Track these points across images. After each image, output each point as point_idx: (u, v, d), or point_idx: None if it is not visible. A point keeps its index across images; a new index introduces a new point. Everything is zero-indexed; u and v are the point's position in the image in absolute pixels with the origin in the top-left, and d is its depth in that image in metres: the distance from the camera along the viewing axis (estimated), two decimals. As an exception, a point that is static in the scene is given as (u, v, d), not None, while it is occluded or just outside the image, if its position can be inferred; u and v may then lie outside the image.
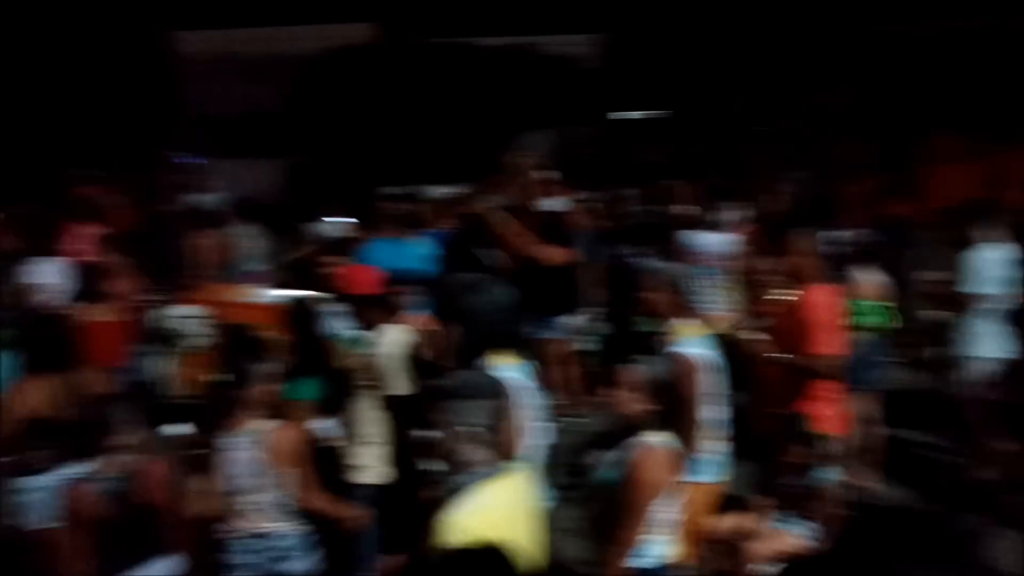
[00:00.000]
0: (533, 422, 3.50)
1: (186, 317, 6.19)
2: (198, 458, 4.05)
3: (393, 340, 4.76)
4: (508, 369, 3.43)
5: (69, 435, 4.26)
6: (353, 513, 4.31)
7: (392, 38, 16.55)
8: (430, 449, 2.74)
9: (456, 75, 15.58)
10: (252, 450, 3.76)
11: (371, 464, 4.54)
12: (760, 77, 14.59)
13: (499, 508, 2.65)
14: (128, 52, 15.98)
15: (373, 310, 4.73)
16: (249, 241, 8.62)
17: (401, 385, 4.72)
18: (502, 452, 2.79)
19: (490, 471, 2.70)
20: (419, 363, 4.70)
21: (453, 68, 15.73)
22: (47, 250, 6.64)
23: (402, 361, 4.67)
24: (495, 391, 2.81)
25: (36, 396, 4.37)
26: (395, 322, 5.03)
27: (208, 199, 9.89)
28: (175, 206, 9.06)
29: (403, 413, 4.57)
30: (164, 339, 6.23)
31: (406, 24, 16.36)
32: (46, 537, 4.27)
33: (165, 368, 6.26)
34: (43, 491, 4.29)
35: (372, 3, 16.42)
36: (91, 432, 3.70)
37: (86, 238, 7.11)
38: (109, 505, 3.59)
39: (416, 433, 4.21)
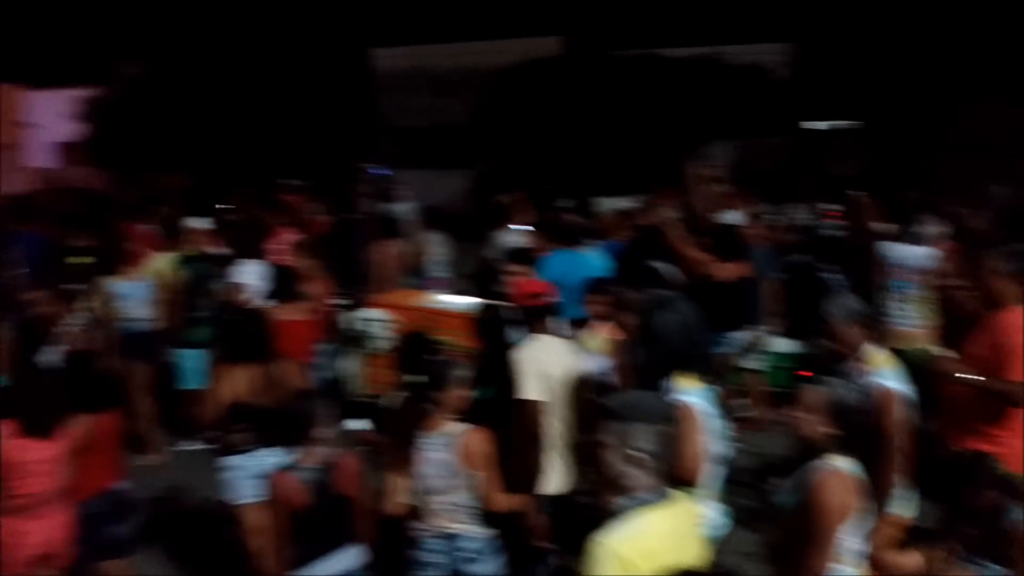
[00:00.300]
0: (713, 447, 3.43)
1: (372, 320, 6.51)
2: (387, 455, 4.23)
3: (566, 351, 4.78)
4: (691, 393, 3.33)
5: (267, 421, 4.65)
6: (536, 520, 4.35)
7: (578, 51, 16.67)
8: (599, 467, 2.70)
9: (642, 86, 15.48)
10: (445, 452, 3.87)
11: (549, 473, 4.57)
12: (957, 87, 13.65)
13: (658, 536, 2.57)
14: (329, 69, 16.95)
15: (546, 320, 4.77)
16: (435, 249, 8.94)
17: (576, 396, 4.72)
18: (670, 478, 2.70)
19: (654, 497, 2.61)
20: (594, 378, 4.69)
21: (639, 79, 15.62)
22: (251, 253, 7.16)
23: (576, 374, 4.68)
24: (667, 416, 2.71)
25: (237, 383, 4.73)
26: (573, 333, 5.05)
27: (398, 208, 10.36)
28: (366, 214, 9.53)
29: (580, 424, 4.57)
30: (351, 340, 6.59)
31: (592, 36, 16.43)
32: (243, 514, 4.73)
33: (351, 367, 6.62)
34: (241, 470, 4.73)
35: (559, 17, 16.61)
36: (293, 423, 3.95)
37: (285, 242, 7.62)
38: (308, 494, 3.81)
39: (587, 449, 4.21)
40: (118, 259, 6.89)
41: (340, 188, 10.66)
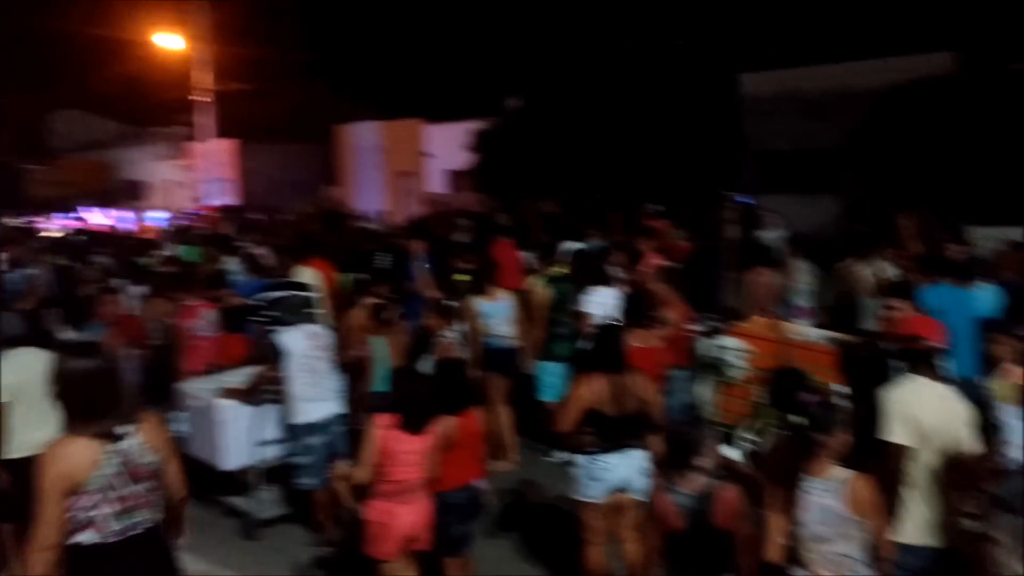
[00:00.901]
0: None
1: (729, 348, 6.35)
2: (766, 494, 4.08)
3: (947, 397, 4.29)
4: None
5: (615, 428, 4.84)
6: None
7: (973, 67, 15.06)
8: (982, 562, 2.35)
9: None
10: (831, 498, 3.66)
11: (919, 525, 4.14)
12: None
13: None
14: (696, 94, 17.01)
15: (929, 362, 4.31)
16: (801, 278, 8.54)
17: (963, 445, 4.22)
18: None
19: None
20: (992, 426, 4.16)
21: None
22: (602, 279, 7.38)
23: (960, 425, 4.18)
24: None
25: (592, 391, 4.94)
26: (959, 378, 4.53)
27: (765, 235, 10.06)
28: (728, 241, 9.36)
29: (959, 488, 4.08)
30: (706, 368, 6.48)
31: (989, 51, 14.74)
32: (585, 512, 4.93)
33: (705, 395, 6.50)
34: (587, 471, 4.91)
35: (950, 32, 15.14)
36: (675, 447, 3.98)
37: (651, 267, 7.73)
38: (684, 519, 3.81)
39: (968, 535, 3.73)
40: (490, 279, 7.43)
41: (704, 214, 10.60)
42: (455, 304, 7.02)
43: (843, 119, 15.64)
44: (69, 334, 6.44)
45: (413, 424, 4.59)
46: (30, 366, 4.85)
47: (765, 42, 17.02)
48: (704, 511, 3.77)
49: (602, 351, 5.10)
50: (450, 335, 6.68)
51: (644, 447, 4.91)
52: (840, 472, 3.66)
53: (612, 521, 4.96)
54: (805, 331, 6.81)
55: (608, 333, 5.30)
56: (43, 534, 3.19)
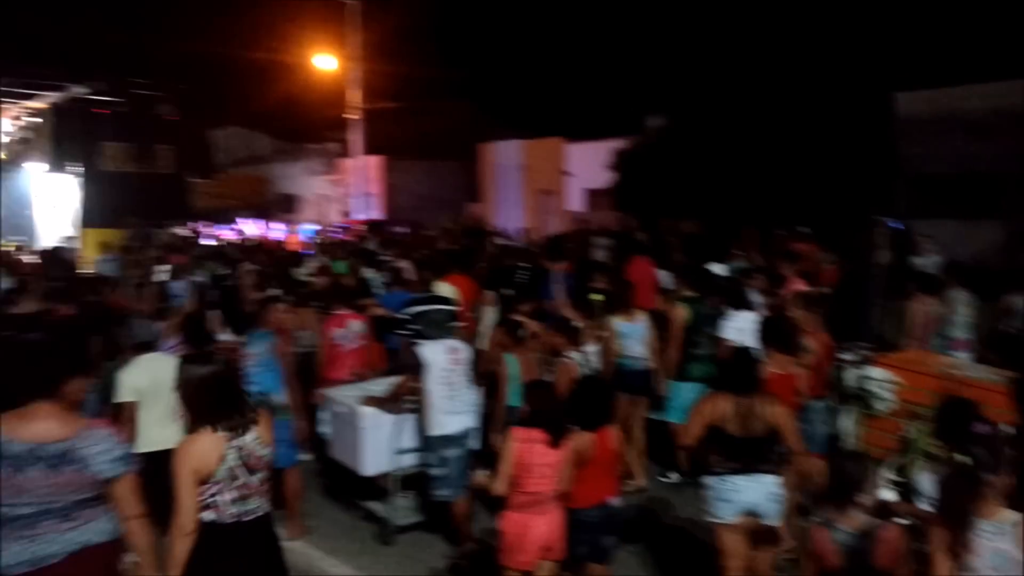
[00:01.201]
0: None
1: (876, 379, 6.09)
2: (932, 534, 3.89)
3: None
4: None
5: (744, 450, 4.79)
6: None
7: None
8: None
9: None
10: (1003, 542, 3.48)
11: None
12: None
13: None
14: (848, 113, 16.41)
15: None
16: (959, 308, 8.10)
17: None
18: None
19: None
20: None
21: None
22: (743, 303, 7.21)
23: None
24: None
25: (718, 409, 4.91)
26: None
27: (921, 261, 9.62)
28: (878, 267, 8.99)
29: None
30: (850, 398, 6.23)
31: None
32: (719, 534, 4.91)
33: (848, 426, 6.26)
34: (717, 492, 4.88)
35: None
36: (835, 481, 3.87)
37: (793, 292, 7.50)
38: (841, 556, 3.71)
39: None
40: (626, 299, 7.41)
41: (853, 238, 10.23)
42: (581, 325, 7.01)
43: (1007, 140, 14.77)
44: (229, 338, 6.85)
45: (551, 437, 4.67)
46: (158, 370, 5.28)
47: (922, 59, 16.27)
48: (864, 550, 3.64)
49: (733, 371, 5.07)
50: (575, 356, 6.68)
51: (775, 472, 4.85)
52: (1010, 515, 3.47)
53: (747, 545, 4.89)
54: (962, 365, 6.46)
55: (742, 354, 5.27)
56: (185, 520, 3.61)
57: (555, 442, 4.67)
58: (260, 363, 6.26)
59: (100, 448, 3.39)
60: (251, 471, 3.78)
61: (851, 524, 3.72)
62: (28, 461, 3.26)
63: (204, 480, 3.66)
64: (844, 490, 3.79)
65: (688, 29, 20.62)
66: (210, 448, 3.68)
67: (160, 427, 5.19)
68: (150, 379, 5.45)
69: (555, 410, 4.79)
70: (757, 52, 18.12)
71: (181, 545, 3.59)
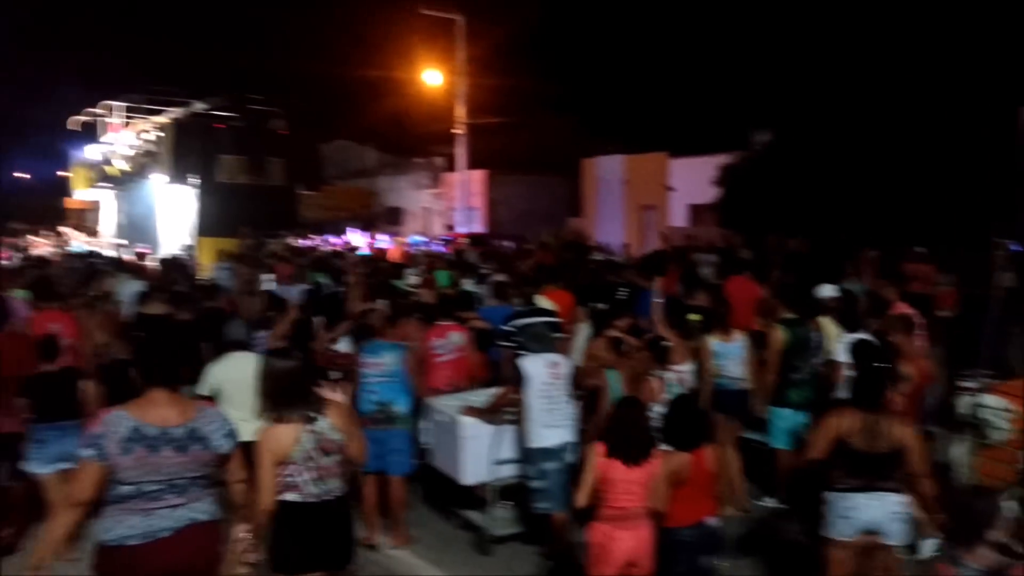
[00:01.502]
0: None
1: (991, 408, 5.84)
2: None
3: None
4: None
5: (863, 466, 4.74)
6: None
7: None
8: None
9: None
10: None
11: None
12: None
13: None
14: (969, 129, 15.76)
15: None
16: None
17: None
18: None
19: None
20: None
21: None
22: (854, 324, 7.00)
23: None
24: None
25: (845, 423, 4.83)
26: None
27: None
28: (999, 291, 8.61)
29: None
30: (964, 426, 5.99)
31: None
32: (830, 550, 4.84)
33: (962, 457, 6.00)
34: (835, 508, 4.81)
35: None
36: (965, 518, 3.77)
37: (902, 315, 7.24)
38: None
39: None
40: (725, 319, 7.28)
41: (974, 260, 9.82)
42: (672, 344, 6.87)
43: None
44: (346, 347, 7.17)
45: (627, 454, 4.71)
46: (243, 368, 5.82)
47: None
48: None
49: (862, 386, 5.05)
50: (663, 375, 6.57)
51: (900, 491, 4.77)
52: None
53: (861, 565, 4.79)
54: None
55: (872, 369, 5.25)
56: (266, 498, 4.12)
57: (632, 460, 4.70)
58: (384, 373, 6.48)
59: (216, 425, 3.89)
60: (326, 453, 4.23)
61: (981, 562, 3.59)
62: (161, 441, 3.71)
63: (283, 461, 4.16)
64: (972, 526, 3.65)
65: (797, 41, 20.14)
66: (287, 433, 4.17)
67: (239, 422, 5.36)
68: (233, 375, 6.06)
69: (633, 428, 4.81)
70: (871, 65, 17.57)
71: (262, 517, 4.09)
